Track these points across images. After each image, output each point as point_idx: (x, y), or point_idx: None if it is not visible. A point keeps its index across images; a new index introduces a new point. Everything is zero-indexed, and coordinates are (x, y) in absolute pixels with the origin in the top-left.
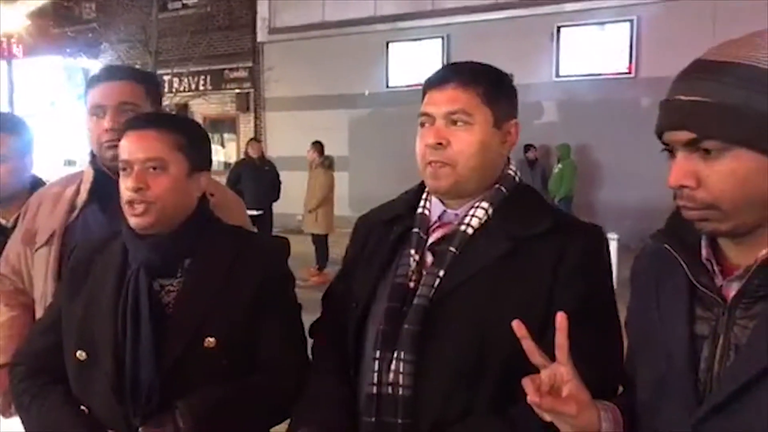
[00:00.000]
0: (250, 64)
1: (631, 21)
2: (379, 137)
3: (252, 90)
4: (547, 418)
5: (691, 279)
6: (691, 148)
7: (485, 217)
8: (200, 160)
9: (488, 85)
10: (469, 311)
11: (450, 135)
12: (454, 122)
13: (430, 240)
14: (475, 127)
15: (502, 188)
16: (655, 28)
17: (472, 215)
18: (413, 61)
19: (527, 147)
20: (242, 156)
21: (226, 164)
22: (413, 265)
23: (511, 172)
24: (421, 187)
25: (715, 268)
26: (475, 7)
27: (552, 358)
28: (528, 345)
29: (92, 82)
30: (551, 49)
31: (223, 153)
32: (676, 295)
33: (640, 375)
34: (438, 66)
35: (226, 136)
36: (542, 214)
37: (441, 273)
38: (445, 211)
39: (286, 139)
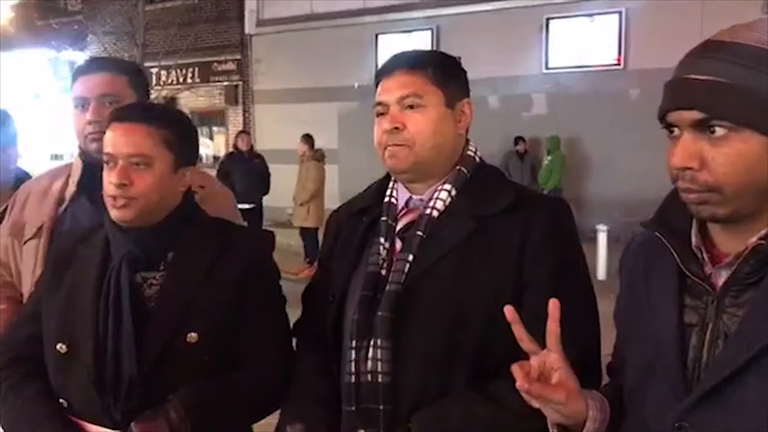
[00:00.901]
0: (238, 57)
1: (619, 12)
2: (369, 130)
3: (240, 82)
4: (535, 404)
5: (681, 267)
6: (698, 129)
7: (449, 199)
8: (187, 155)
9: (436, 67)
10: (440, 293)
11: (405, 119)
12: (408, 106)
13: (398, 227)
14: (428, 108)
15: (463, 169)
16: (644, 19)
17: (436, 198)
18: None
19: (517, 139)
20: (231, 149)
21: (215, 158)
22: (383, 253)
23: (470, 152)
24: (388, 177)
25: (705, 256)
26: None
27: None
28: (518, 331)
29: (75, 74)
30: (540, 41)
31: (212, 146)
32: (665, 284)
33: (629, 364)
34: None
35: (215, 129)
36: (504, 190)
37: (410, 258)
38: (410, 197)
39: (275, 131)
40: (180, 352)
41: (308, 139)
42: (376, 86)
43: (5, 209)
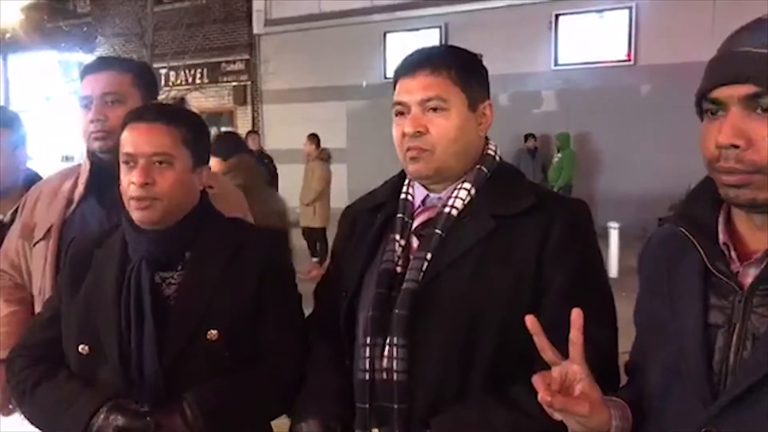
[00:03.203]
0: (246, 57)
1: (629, 8)
2: (377, 129)
3: (249, 83)
4: (557, 417)
5: (708, 264)
6: (748, 105)
7: (468, 198)
8: (202, 153)
9: (459, 69)
10: (458, 292)
11: (427, 122)
12: (431, 109)
13: (415, 224)
14: (452, 111)
15: (483, 168)
16: (654, 15)
17: (456, 197)
18: (411, 51)
19: (527, 136)
20: None
21: None
22: (399, 250)
23: (490, 152)
24: (403, 173)
25: (733, 253)
26: None
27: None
28: (540, 341)
29: (82, 74)
30: (550, 37)
31: None
32: (688, 282)
33: (651, 367)
34: None
35: (223, 129)
36: (525, 191)
37: (428, 256)
38: (428, 195)
39: (283, 131)
40: (201, 349)
41: (314, 138)
42: (395, 84)
43: (16, 210)
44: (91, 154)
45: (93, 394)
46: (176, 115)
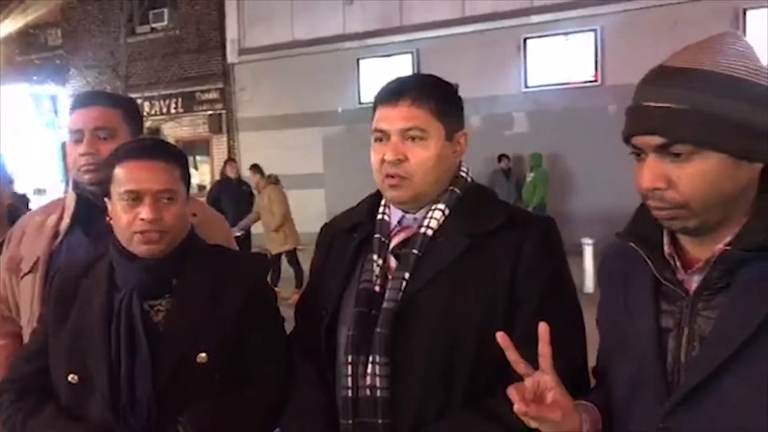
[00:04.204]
0: (221, 86)
1: (594, 30)
2: (353, 153)
3: (224, 111)
4: (533, 424)
5: (656, 273)
6: (661, 152)
7: (443, 218)
8: (189, 185)
9: (439, 101)
10: (436, 310)
11: (407, 150)
12: (410, 138)
13: (392, 244)
14: (430, 141)
15: (456, 190)
16: (619, 36)
17: (431, 217)
18: (384, 76)
19: (500, 157)
20: (217, 177)
21: (200, 186)
22: (377, 269)
23: (462, 173)
24: (379, 194)
25: (677, 262)
26: (443, 22)
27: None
28: (511, 355)
29: (72, 107)
30: (519, 60)
31: (197, 175)
32: (641, 291)
33: (614, 372)
34: None
35: (199, 158)
36: (496, 210)
37: (406, 275)
38: (404, 215)
39: (260, 158)
40: (191, 372)
41: (257, 169)
42: (374, 109)
43: (1, 243)
44: (76, 187)
45: (80, 431)
46: (171, 151)
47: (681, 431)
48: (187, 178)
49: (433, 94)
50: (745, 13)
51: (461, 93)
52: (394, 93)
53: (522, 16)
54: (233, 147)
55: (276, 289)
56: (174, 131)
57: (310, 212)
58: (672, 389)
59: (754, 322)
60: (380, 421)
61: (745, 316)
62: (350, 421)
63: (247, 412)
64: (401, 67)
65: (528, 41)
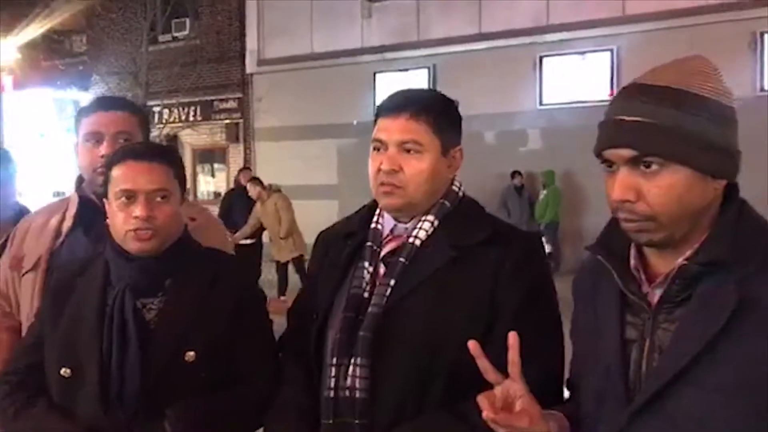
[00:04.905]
0: (239, 95)
1: (611, 50)
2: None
3: (241, 120)
4: (502, 431)
5: (621, 286)
6: (632, 165)
7: (432, 229)
8: (184, 188)
9: (438, 116)
10: (418, 317)
11: (402, 161)
12: (406, 150)
13: (383, 252)
14: (425, 155)
15: (446, 203)
16: (635, 56)
17: (420, 228)
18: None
19: (514, 173)
20: (232, 186)
21: (216, 194)
22: (367, 276)
23: (455, 188)
24: (375, 203)
25: (642, 276)
26: (460, 38)
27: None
28: (482, 364)
29: (86, 111)
30: (534, 78)
31: (213, 183)
32: (608, 303)
33: (583, 383)
34: None
35: (216, 166)
36: (482, 223)
37: (392, 282)
38: (396, 225)
39: (275, 168)
40: (179, 370)
41: (256, 181)
42: (376, 120)
43: (5, 242)
44: (79, 189)
45: (68, 429)
46: (167, 154)
47: None
48: (181, 180)
49: (432, 110)
50: (762, 36)
51: (477, 108)
52: (395, 105)
53: (538, 34)
54: (249, 156)
55: (282, 297)
56: (192, 139)
57: (324, 223)
58: (632, 399)
59: (709, 334)
60: (357, 421)
61: (700, 328)
62: (330, 421)
63: (233, 410)
64: (418, 81)
65: (544, 59)
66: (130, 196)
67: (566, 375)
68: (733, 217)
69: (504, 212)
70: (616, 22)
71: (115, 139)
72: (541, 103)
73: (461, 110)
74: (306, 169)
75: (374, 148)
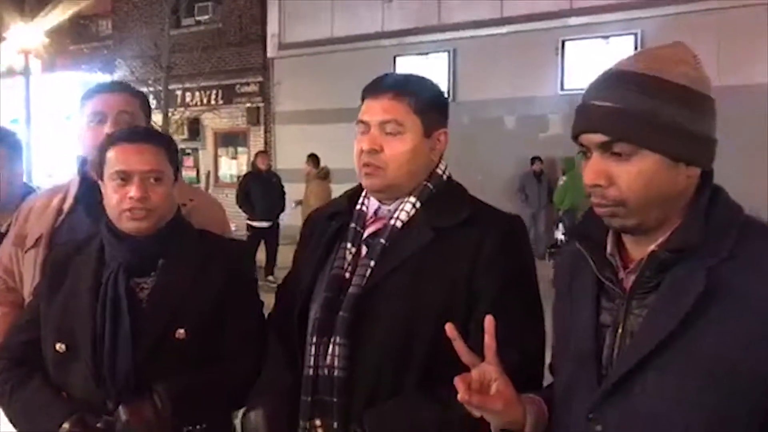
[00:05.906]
0: (260, 79)
1: (635, 34)
2: None
3: (262, 104)
4: (477, 413)
5: (595, 271)
6: (604, 150)
7: (413, 211)
8: (177, 170)
9: (419, 97)
10: (397, 297)
11: (383, 142)
12: (388, 132)
13: (366, 234)
14: (406, 135)
15: (429, 185)
16: (659, 41)
17: (402, 209)
18: (421, 74)
19: (533, 159)
20: (250, 169)
21: (238, 177)
22: (349, 257)
23: (439, 171)
24: (361, 186)
25: (618, 262)
26: (481, 22)
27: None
28: (459, 346)
29: (91, 93)
30: (556, 62)
31: (235, 166)
32: (585, 289)
33: (561, 364)
34: (445, 79)
35: (239, 149)
36: (462, 205)
37: (372, 263)
38: (380, 207)
39: (295, 151)
40: (169, 347)
41: (313, 158)
42: (362, 102)
43: (10, 223)
44: (81, 170)
45: (61, 405)
46: (159, 137)
47: (606, 421)
48: (175, 162)
49: (413, 90)
50: None
51: (497, 93)
52: (377, 87)
53: (560, 17)
54: (270, 140)
55: None
56: (213, 122)
57: None
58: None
59: (675, 319)
60: (335, 399)
61: (668, 314)
62: (309, 399)
63: (220, 386)
64: (438, 65)
65: (566, 43)
66: (124, 177)
67: (548, 360)
68: (705, 204)
69: (522, 197)
70: (640, 5)
71: (118, 118)
72: (562, 88)
73: (481, 94)
74: (325, 152)
75: (359, 131)
